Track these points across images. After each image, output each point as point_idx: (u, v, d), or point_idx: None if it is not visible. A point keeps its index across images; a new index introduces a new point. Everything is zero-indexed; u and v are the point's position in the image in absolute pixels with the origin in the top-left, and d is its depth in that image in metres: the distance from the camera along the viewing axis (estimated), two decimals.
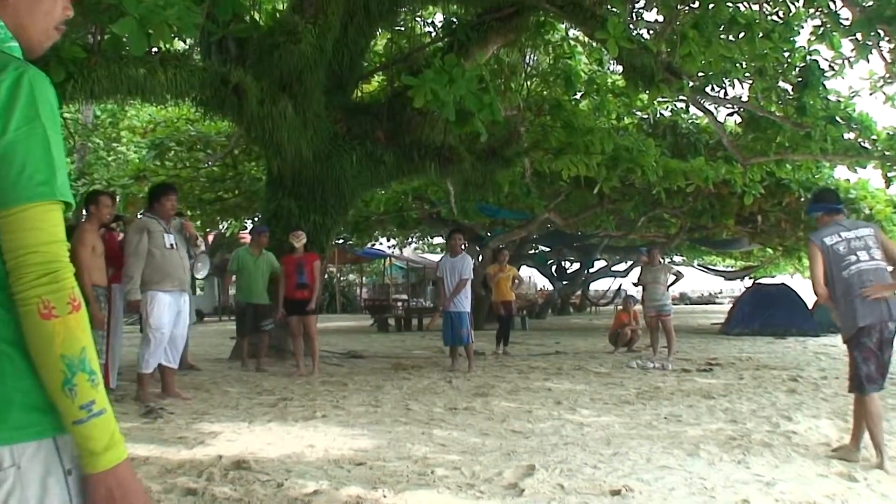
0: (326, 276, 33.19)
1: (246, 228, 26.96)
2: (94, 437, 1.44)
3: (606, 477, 5.23)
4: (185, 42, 12.02)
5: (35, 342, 1.42)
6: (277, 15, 13.40)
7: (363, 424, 7.23)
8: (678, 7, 13.37)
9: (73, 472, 1.48)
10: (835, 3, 11.68)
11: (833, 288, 5.93)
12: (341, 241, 28.36)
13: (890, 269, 5.92)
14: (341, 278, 41.82)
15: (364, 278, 43.82)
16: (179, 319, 8.70)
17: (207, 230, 26.81)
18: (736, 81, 13.99)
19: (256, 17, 13.12)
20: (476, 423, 7.36)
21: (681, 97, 15.32)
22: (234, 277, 12.48)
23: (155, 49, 9.47)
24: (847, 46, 12.57)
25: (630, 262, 34.08)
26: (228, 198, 22.15)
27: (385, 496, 4.74)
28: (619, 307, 16.26)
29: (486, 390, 9.56)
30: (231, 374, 11.28)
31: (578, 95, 17.16)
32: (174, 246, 8.53)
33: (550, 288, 36.95)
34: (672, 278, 14.14)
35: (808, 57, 13.35)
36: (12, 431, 1.41)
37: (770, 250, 30.13)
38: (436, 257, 32.62)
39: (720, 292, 51.35)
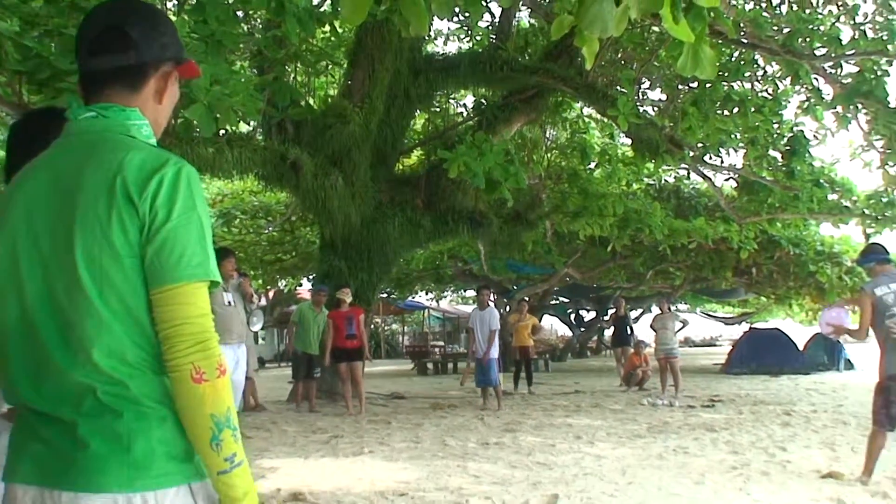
0: (372, 325, 33.23)
1: (301, 286, 27.08)
2: (236, 486, 1.44)
3: None
4: (248, 124, 12.23)
5: (186, 404, 1.43)
6: (329, 100, 13.63)
7: (405, 459, 7.22)
8: (679, 87, 13.52)
9: None
10: (818, 80, 11.73)
11: (878, 334, 5.84)
12: (385, 295, 28.38)
13: None
14: (385, 328, 41.73)
15: (406, 327, 43.67)
16: (238, 368, 8.73)
17: (268, 287, 26.98)
18: (731, 150, 14.02)
19: (311, 101, 13.35)
20: (505, 456, 7.32)
21: (683, 165, 15.35)
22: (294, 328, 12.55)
23: (222, 131, 9.63)
24: (829, 118, 12.63)
25: (640, 311, 33.71)
26: (286, 259, 22.31)
27: None
28: (632, 350, 16.15)
29: (514, 426, 9.51)
30: (288, 414, 11.31)
31: (593, 165, 17.20)
32: (232, 303, 8.53)
33: (570, 334, 36.65)
34: (679, 325, 14.08)
35: (795, 128, 13.40)
36: (156, 479, 1.42)
37: (764, 298, 29.76)
38: (468, 308, 32.56)
39: (720, 336, 50.39)
